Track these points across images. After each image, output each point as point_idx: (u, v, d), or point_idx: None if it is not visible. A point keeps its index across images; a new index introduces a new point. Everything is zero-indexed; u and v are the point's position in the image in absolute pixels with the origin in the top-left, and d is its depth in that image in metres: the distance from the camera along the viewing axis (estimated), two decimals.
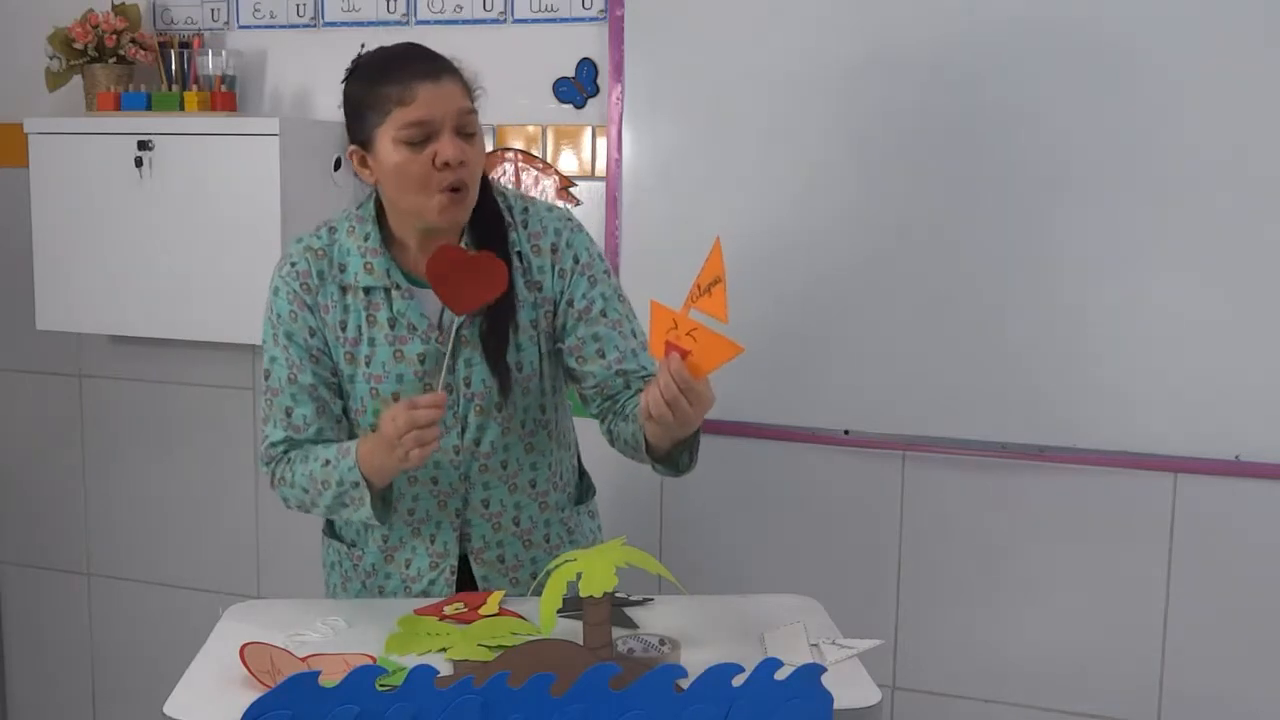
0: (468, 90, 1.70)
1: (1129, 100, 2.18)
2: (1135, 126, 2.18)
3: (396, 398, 1.71)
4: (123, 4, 2.73)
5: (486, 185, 1.77)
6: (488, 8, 2.55)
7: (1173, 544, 2.30)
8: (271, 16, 2.70)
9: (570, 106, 2.53)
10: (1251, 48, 2.12)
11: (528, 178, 2.56)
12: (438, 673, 1.15)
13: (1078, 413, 2.27)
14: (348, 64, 1.74)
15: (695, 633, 1.56)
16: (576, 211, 2.41)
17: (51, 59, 2.75)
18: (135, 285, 2.59)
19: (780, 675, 1.17)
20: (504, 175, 2.57)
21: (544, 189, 2.55)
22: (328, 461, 1.67)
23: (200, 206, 2.52)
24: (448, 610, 1.64)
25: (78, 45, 2.66)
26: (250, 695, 1.20)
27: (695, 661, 1.34)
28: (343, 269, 1.75)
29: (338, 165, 2.60)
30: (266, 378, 1.77)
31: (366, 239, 1.74)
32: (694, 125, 2.43)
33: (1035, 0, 2.20)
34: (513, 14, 2.55)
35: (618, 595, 1.59)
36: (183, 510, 2.93)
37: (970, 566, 2.42)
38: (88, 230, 2.61)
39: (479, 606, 1.64)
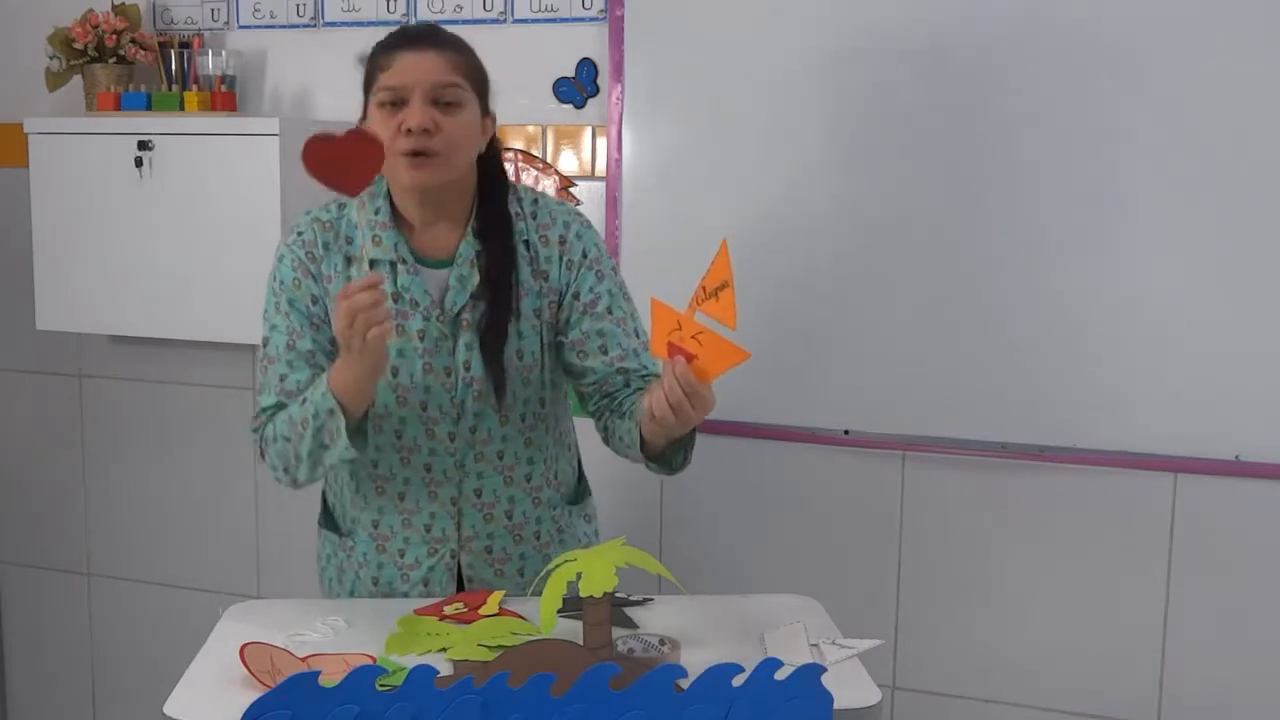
0: (461, 68, 1.70)
1: (1130, 99, 2.18)
2: (1136, 125, 2.18)
3: (395, 372, 1.72)
4: (123, 4, 2.73)
5: (495, 171, 1.79)
6: (488, 8, 2.55)
7: (1173, 544, 2.30)
8: (271, 16, 2.70)
9: (570, 106, 2.53)
10: (1252, 47, 2.12)
11: (528, 178, 2.56)
12: (438, 673, 1.15)
13: (1078, 413, 2.27)
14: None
15: (695, 633, 1.56)
16: None
17: (51, 59, 2.75)
18: (135, 285, 2.59)
19: (780, 675, 1.17)
20: None
21: (544, 189, 2.55)
22: (305, 400, 1.65)
23: (200, 206, 2.52)
24: (448, 610, 1.64)
25: (78, 45, 2.66)
26: (250, 695, 1.20)
27: (695, 661, 1.34)
28: (349, 241, 1.76)
29: None
30: (264, 345, 1.77)
31: (376, 213, 1.75)
32: (694, 125, 2.43)
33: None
34: (513, 14, 2.55)
35: (618, 595, 1.59)
36: (183, 510, 2.93)
37: (970, 566, 2.43)
38: (88, 230, 2.61)
39: (479, 606, 1.64)
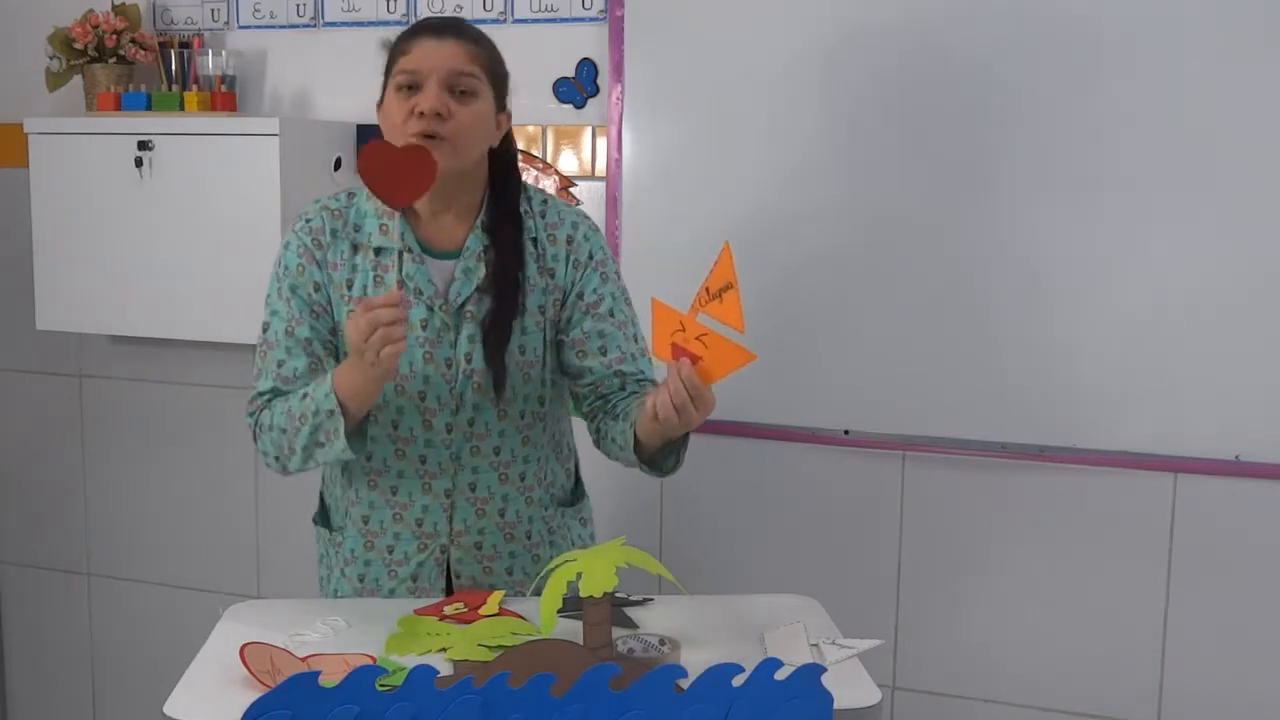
0: (479, 60, 1.72)
1: (1132, 98, 2.18)
2: (1137, 124, 2.18)
3: None
4: (123, 4, 2.73)
5: (508, 168, 1.80)
6: (488, 8, 2.56)
7: (1173, 544, 2.30)
8: (271, 16, 2.70)
9: (570, 106, 2.53)
10: (1252, 47, 2.12)
11: (528, 178, 2.55)
12: (438, 673, 1.15)
13: (1078, 413, 2.27)
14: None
15: (695, 633, 1.56)
16: None
17: (51, 59, 2.75)
18: (135, 285, 2.59)
19: (780, 675, 1.17)
20: None
21: (544, 189, 2.54)
22: (305, 394, 1.66)
23: (200, 206, 2.52)
24: (448, 610, 1.64)
25: (78, 45, 2.66)
26: (250, 695, 1.20)
27: (695, 661, 1.34)
28: (357, 229, 1.77)
29: (338, 165, 2.61)
30: (264, 331, 1.78)
31: None
32: (694, 125, 2.43)
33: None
34: (513, 14, 2.55)
35: (618, 595, 1.59)
36: (183, 510, 2.93)
37: (970, 566, 2.42)
38: (88, 230, 2.61)
39: (479, 606, 1.64)
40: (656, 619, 1.63)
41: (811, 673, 1.18)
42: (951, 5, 2.25)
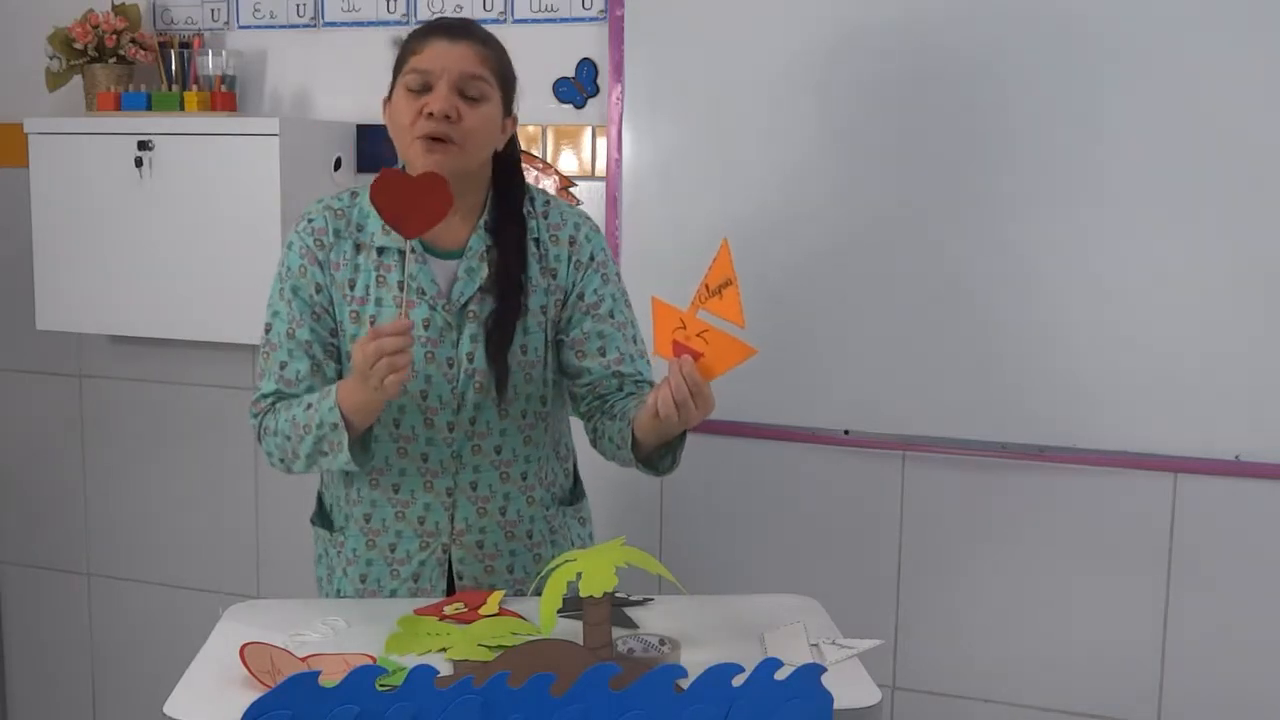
0: (490, 63, 1.73)
1: (1132, 99, 2.18)
2: (1138, 124, 2.18)
3: None
4: (123, 4, 2.73)
5: (512, 170, 1.81)
6: (488, 8, 2.56)
7: (1173, 544, 2.30)
8: (271, 16, 2.70)
9: (570, 106, 2.53)
10: (1252, 47, 2.12)
11: (528, 177, 2.55)
12: (438, 673, 1.15)
13: (1078, 413, 2.27)
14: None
15: (695, 633, 1.56)
16: None
17: (51, 59, 2.75)
18: (135, 285, 2.59)
19: (780, 675, 1.17)
20: None
21: (544, 189, 2.54)
22: (310, 405, 1.68)
23: (200, 206, 2.52)
24: (448, 610, 1.64)
25: (78, 45, 2.66)
26: (250, 695, 1.20)
27: (695, 661, 1.34)
28: (360, 228, 1.78)
29: (338, 165, 2.61)
30: (267, 331, 1.79)
31: None
32: (694, 125, 2.43)
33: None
34: (513, 14, 2.55)
35: (618, 595, 1.59)
36: (183, 510, 2.93)
37: (970, 566, 2.42)
38: (88, 230, 2.61)
39: (479, 606, 1.64)
40: (656, 619, 1.63)
41: (811, 673, 1.18)
42: (951, 5, 2.25)
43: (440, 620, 1.61)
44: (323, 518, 1.92)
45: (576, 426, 1.93)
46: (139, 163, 2.54)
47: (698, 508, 2.55)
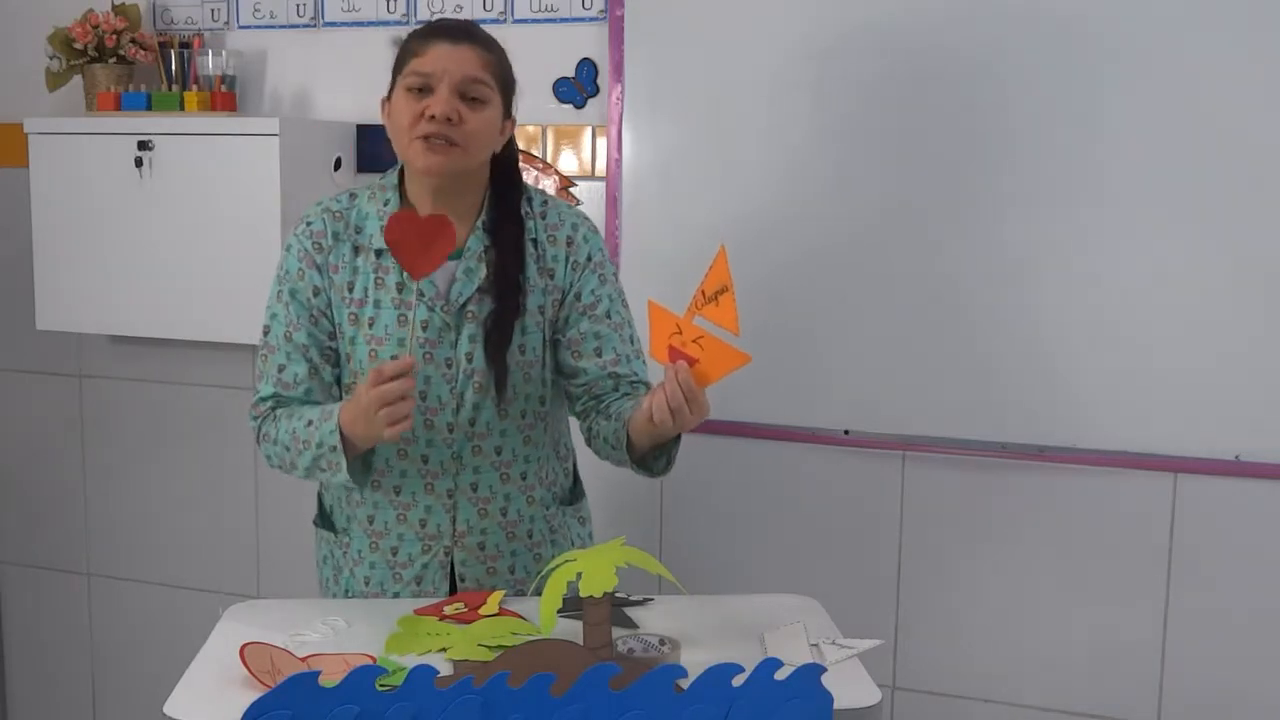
0: (491, 67, 1.73)
1: (1132, 98, 2.18)
2: (1137, 124, 2.18)
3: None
4: (123, 4, 2.73)
5: (510, 172, 1.81)
6: (488, 8, 2.56)
7: (1173, 544, 2.30)
8: (271, 16, 2.70)
9: (570, 106, 2.53)
10: (1252, 47, 2.11)
11: (527, 178, 2.55)
12: (438, 673, 1.15)
13: (1078, 413, 2.27)
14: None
15: (695, 633, 1.57)
16: None
17: (51, 59, 2.75)
18: (135, 285, 2.59)
19: (780, 675, 1.17)
20: None
21: (544, 189, 2.54)
22: (311, 422, 1.68)
23: (200, 206, 2.52)
24: (448, 610, 1.64)
25: (78, 45, 2.66)
26: (250, 695, 1.20)
27: (695, 661, 1.34)
28: (359, 230, 1.78)
29: (338, 165, 2.61)
30: (265, 334, 1.79)
31: (386, 204, 1.78)
32: (694, 125, 2.43)
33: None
34: (513, 14, 2.55)
35: (618, 595, 1.59)
36: (183, 510, 2.93)
37: (970, 566, 2.42)
38: (88, 230, 2.61)
39: (479, 606, 1.64)
40: (656, 619, 1.63)
41: (811, 673, 1.18)
42: (951, 5, 2.25)
43: (440, 620, 1.61)
44: (325, 520, 1.92)
45: (576, 426, 1.93)
46: (139, 163, 2.54)
47: (697, 508, 2.55)
